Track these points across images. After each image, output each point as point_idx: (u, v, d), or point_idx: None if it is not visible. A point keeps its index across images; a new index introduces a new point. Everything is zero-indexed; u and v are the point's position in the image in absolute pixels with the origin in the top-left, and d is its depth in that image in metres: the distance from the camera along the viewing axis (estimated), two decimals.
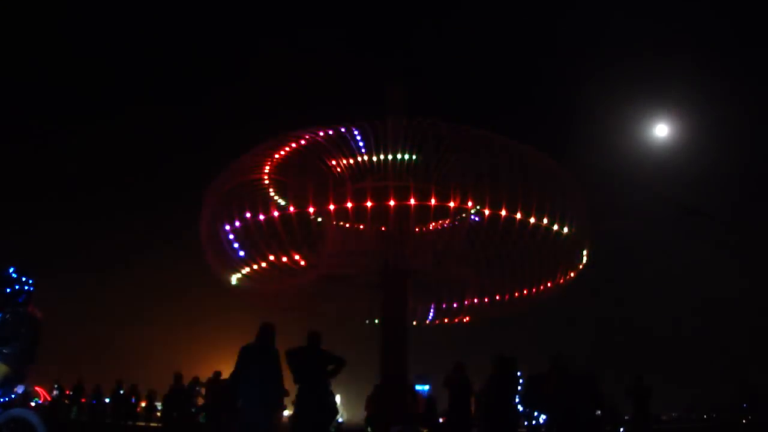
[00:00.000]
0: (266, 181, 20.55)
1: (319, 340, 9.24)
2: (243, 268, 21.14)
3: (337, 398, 16.29)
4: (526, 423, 11.15)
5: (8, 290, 5.98)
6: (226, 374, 12.38)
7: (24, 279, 6.09)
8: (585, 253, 22.24)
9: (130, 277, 46.90)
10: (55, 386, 25.50)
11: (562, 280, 21.88)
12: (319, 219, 20.25)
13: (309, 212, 19.61)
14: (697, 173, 39.09)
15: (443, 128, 19.24)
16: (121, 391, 22.79)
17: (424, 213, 19.71)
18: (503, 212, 18.99)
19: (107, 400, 24.31)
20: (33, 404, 24.80)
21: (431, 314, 22.88)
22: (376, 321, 22.04)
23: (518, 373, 11.90)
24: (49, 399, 27.57)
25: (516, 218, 19.37)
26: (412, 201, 18.98)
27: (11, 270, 6.12)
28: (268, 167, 20.51)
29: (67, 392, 25.08)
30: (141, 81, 61.34)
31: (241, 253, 20.36)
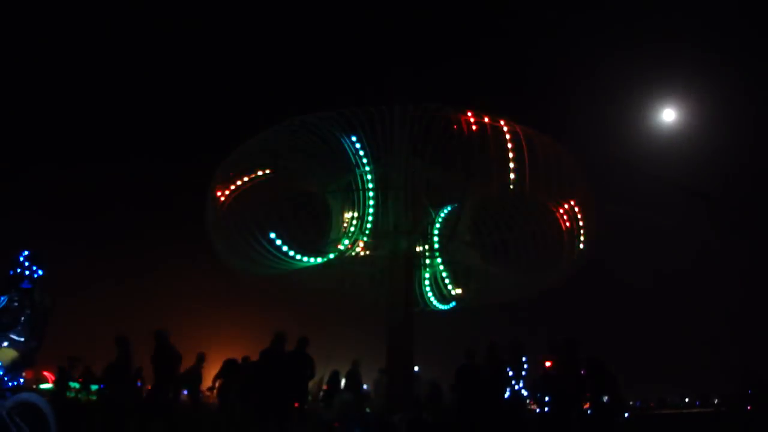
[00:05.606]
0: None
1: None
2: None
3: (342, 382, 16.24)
4: (538, 410, 11.17)
5: (11, 272, 5.99)
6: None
7: (34, 267, 6.09)
8: (590, 239, 22.00)
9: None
10: (69, 361, 25.12)
11: (567, 266, 21.70)
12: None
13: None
14: (704, 158, 38.84)
15: (451, 114, 18.92)
16: None
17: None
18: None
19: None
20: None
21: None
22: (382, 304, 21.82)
23: (524, 358, 11.90)
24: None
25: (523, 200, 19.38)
26: None
27: (24, 253, 6.13)
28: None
29: (78, 378, 25.02)
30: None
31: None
